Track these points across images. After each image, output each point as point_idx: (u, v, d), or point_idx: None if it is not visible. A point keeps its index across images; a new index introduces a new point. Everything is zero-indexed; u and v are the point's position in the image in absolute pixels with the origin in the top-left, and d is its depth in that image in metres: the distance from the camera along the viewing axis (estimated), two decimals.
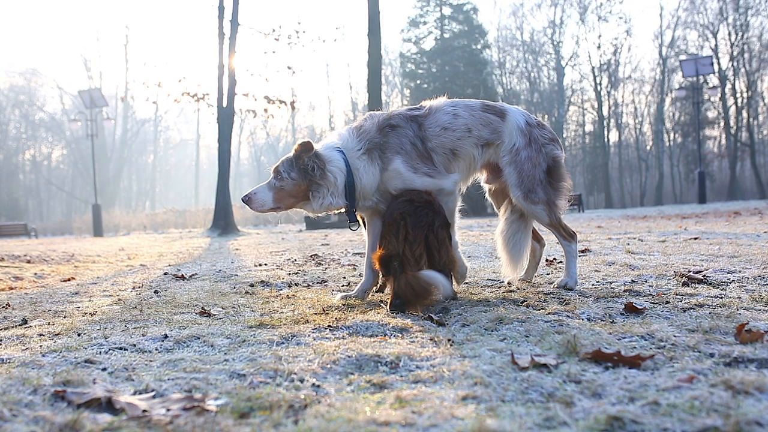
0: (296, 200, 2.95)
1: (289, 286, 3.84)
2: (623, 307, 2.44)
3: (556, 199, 3.09)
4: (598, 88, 47.86)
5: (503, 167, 3.07)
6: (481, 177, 3.34)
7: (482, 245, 6.58)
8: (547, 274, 3.76)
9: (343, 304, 2.90)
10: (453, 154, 2.99)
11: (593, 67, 48.07)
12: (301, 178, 2.87)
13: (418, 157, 2.91)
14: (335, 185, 2.88)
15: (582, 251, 5.13)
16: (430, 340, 2.04)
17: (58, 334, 2.36)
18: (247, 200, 2.95)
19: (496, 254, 3.45)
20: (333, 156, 2.90)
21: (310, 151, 2.84)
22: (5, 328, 2.59)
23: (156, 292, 3.81)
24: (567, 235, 3.17)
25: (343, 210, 3.00)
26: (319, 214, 3.12)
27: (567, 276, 3.14)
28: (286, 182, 2.89)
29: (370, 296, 3.13)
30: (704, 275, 3.21)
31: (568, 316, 2.37)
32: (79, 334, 2.34)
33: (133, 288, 4.17)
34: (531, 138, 3.06)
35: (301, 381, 1.60)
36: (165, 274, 5.16)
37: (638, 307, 2.39)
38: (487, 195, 3.47)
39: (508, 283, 3.35)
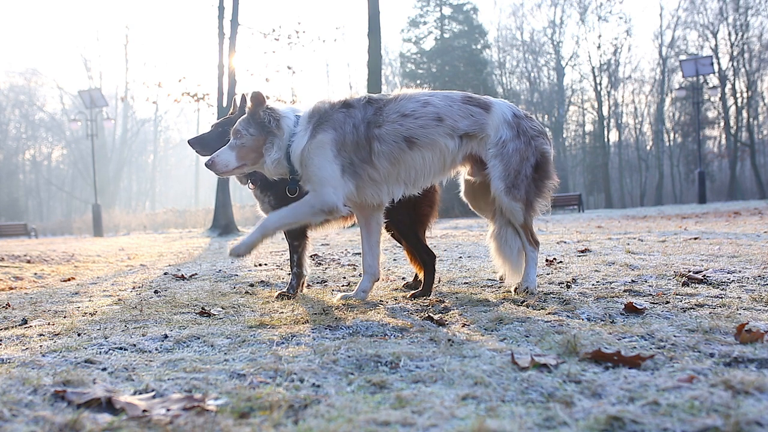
0: (258, 155, 2.94)
1: None
2: (623, 307, 2.44)
3: (535, 200, 3.03)
4: (598, 88, 47.82)
5: (488, 159, 2.97)
6: (464, 170, 3.24)
7: (482, 245, 6.57)
8: (547, 274, 3.76)
9: (343, 304, 2.90)
10: (408, 143, 2.86)
11: (593, 67, 48.04)
12: (259, 131, 2.90)
13: (352, 143, 2.83)
14: (284, 141, 2.90)
15: (582, 251, 5.13)
16: (430, 340, 2.04)
17: (58, 334, 2.36)
18: (210, 164, 2.94)
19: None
20: (287, 114, 2.95)
21: (263, 102, 2.90)
22: (5, 328, 2.59)
23: (156, 292, 3.81)
24: (532, 241, 3.10)
25: (289, 177, 2.97)
26: (275, 177, 3.06)
27: (525, 280, 3.04)
28: (246, 139, 2.91)
29: (369, 296, 3.13)
30: (704, 275, 3.21)
31: (568, 316, 2.37)
32: (79, 334, 2.34)
33: (133, 288, 4.17)
34: (519, 130, 2.98)
35: (301, 381, 1.60)
36: (165, 274, 5.16)
37: (638, 307, 2.38)
38: (462, 193, 3.36)
39: (511, 288, 3.28)
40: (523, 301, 2.75)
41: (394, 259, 5.39)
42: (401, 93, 3.01)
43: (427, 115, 2.91)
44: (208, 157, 2.97)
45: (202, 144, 3.42)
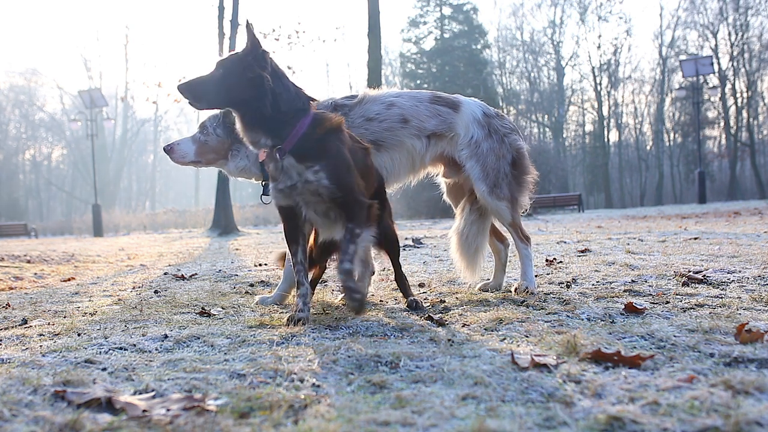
0: (217, 157, 2.95)
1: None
2: (623, 307, 2.44)
3: (519, 196, 3.03)
4: (598, 88, 47.84)
5: (463, 161, 2.97)
6: (438, 172, 3.23)
7: None
8: (547, 274, 3.76)
9: (343, 304, 2.90)
10: (375, 146, 2.88)
11: (593, 67, 48.06)
12: (226, 135, 2.88)
13: None
14: (252, 151, 2.82)
15: (582, 251, 5.13)
16: (430, 340, 2.04)
17: (58, 334, 2.36)
18: (168, 150, 2.93)
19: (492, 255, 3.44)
20: None
21: None
22: (5, 328, 2.59)
23: (156, 292, 3.81)
24: (524, 238, 3.10)
25: (260, 182, 2.96)
26: (237, 177, 3.06)
27: (524, 279, 3.04)
28: (211, 137, 2.90)
29: (368, 297, 3.12)
30: (704, 275, 3.21)
31: (568, 316, 2.37)
32: (79, 334, 2.34)
33: (133, 288, 4.17)
34: (490, 129, 2.98)
35: (301, 381, 1.60)
36: (165, 274, 5.16)
37: (638, 307, 2.38)
38: (444, 195, 3.37)
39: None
40: (523, 301, 2.75)
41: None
42: (366, 95, 3.01)
43: (392, 117, 2.92)
44: (168, 143, 2.98)
45: (193, 92, 2.40)
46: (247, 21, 2.33)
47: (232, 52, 2.40)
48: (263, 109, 2.30)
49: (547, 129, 51.04)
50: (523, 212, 3.18)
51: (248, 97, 2.31)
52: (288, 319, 2.43)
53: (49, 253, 9.14)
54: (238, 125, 2.43)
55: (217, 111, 2.90)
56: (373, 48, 17.43)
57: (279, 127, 2.34)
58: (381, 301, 3.04)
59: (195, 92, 2.38)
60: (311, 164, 2.34)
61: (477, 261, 3.14)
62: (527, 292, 2.95)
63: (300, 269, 2.53)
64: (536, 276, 3.60)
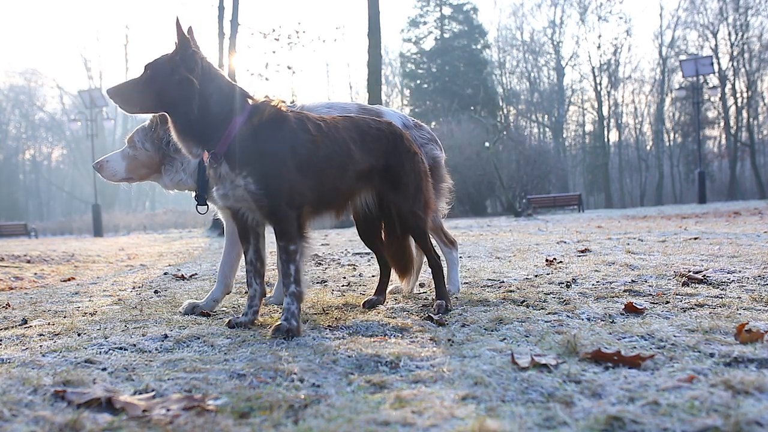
0: (149, 172, 2.85)
1: None
2: (623, 307, 2.44)
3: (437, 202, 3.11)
4: (598, 88, 47.84)
5: None
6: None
7: (482, 245, 6.58)
8: (547, 274, 3.76)
9: (343, 304, 2.90)
10: None
11: (593, 67, 48.06)
12: (154, 150, 2.78)
13: None
14: (188, 162, 2.77)
15: (582, 251, 5.13)
16: (430, 340, 2.04)
17: (58, 334, 2.36)
18: (98, 167, 2.82)
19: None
20: None
21: (166, 123, 2.54)
22: (5, 328, 2.59)
23: (156, 292, 3.81)
24: (448, 242, 3.18)
25: (194, 193, 2.89)
26: (172, 191, 2.97)
27: (449, 283, 3.10)
28: (140, 152, 2.79)
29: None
30: (704, 275, 3.21)
31: (568, 316, 2.37)
32: (79, 334, 2.34)
33: (133, 288, 4.17)
34: None
35: (301, 381, 1.60)
36: (165, 274, 5.16)
37: (638, 307, 2.39)
38: None
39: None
40: (523, 301, 2.75)
41: None
42: (303, 105, 3.01)
43: None
44: (98, 160, 2.87)
45: (122, 96, 2.28)
46: (177, 18, 2.22)
47: (162, 54, 2.27)
48: (190, 114, 2.18)
49: (547, 129, 51.08)
50: (443, 217, 3.28)
51: (176, 101, 2.18)
52: (227, 323, 2.39)
53: (49, 253, 9.14)
54: (171, 132, 2.29)
55: (145, 123, 2.81)
56: (373, 48, 17.43)
57: (210, 131, 2.22)
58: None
59: (124, 96, 2.24)
60: (241, 168, 2.22)
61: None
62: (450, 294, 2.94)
63: (250, 269, 2.46)
64: (536, 276, 3.60)
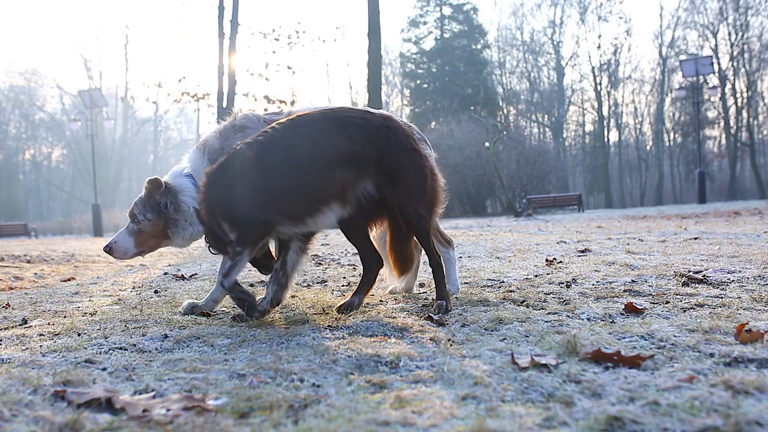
0: (159, 240, 2.86)
1: None
2: (623, 307, 2.44)
3: None
4: (598, 88, 47.82)
5: None
6: None
7: (482, 245, 6.57)
8: (547, 274, 3.76)
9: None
10: None
11: (593, 67, 48.03)
12: (156, 217, 2.79)
13: None
14: (192, 214, 2.78)
15: (582, 251, 5.13)
16: (430, 340, 2.04)
17: (58, 334, 2.36)
18: (108, 250, 2.83)
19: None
20: (183, 184, 2.82)
21: (160, 188, 2.76)
22: (5, 328, 2.59)
23: (156, 292, 3.81)
24: (445, 242, 3.21)
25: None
26: (188, 246, 2.98)
27: (448, 283, 3.09)
28: (144, 224, 2.80)
29: (368, 298, 3.12)
30: (704, 275, 3.21)
31: (568, 316, 2.37)
32: (79, 334, 2.34)
33: (133, 288, 4.17)
34: None
35: (301, 381, 1.60)
36: (165, 274, 5.16)
37: (638, 307, 2.39)
38: None
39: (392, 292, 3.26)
40: (523, 301, 2.75)
41: None
42: (291, 111, 2.98)
43: None
44: (107, 242, 2.88)
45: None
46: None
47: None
48: None
49: (547, 129, 51.07)
50: (438, 216, 3.29)
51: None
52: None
53: (49, 253, 9.14)
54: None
55: (142, 194, 2.84)
56: (373, 48, 17.42)
57: None
58: (381, 301, 3.04)
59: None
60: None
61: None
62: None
63: (272, 276, 2.72)
64: (536, 276, 3.60)
